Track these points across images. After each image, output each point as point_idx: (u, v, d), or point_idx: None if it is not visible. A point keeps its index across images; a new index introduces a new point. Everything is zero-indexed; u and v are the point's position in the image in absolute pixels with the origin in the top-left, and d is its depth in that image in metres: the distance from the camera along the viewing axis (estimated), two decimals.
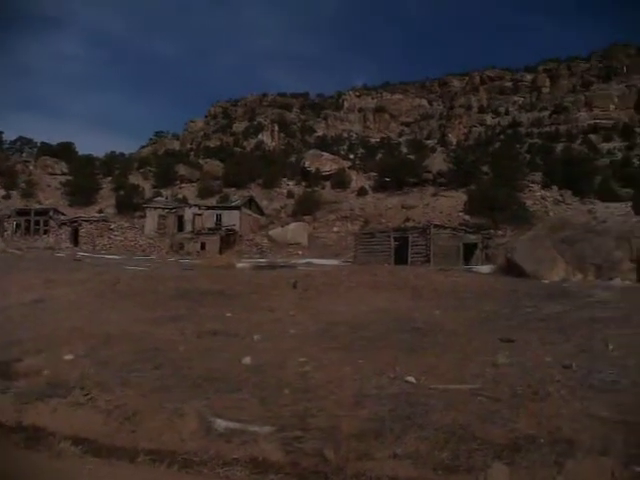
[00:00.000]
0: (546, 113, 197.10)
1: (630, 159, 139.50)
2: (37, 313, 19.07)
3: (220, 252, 66.58)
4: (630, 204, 78.66)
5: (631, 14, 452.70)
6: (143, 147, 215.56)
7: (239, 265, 41.00)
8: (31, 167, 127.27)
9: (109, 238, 75.27)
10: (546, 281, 29.05)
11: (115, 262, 44.99)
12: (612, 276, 30.13)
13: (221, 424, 7.49)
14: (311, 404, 8.55)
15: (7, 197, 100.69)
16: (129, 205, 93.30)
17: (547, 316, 18.09)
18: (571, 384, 9.56)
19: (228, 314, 19.52)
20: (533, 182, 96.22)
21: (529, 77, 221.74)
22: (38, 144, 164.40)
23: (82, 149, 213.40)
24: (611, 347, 12.56)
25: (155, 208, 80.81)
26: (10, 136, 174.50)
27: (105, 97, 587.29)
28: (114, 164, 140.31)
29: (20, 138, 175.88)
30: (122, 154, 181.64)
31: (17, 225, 77.58)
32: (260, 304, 21.92)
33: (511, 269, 32.47)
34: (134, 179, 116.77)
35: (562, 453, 6.25)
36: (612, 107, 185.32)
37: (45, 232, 76.57)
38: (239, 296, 23.81)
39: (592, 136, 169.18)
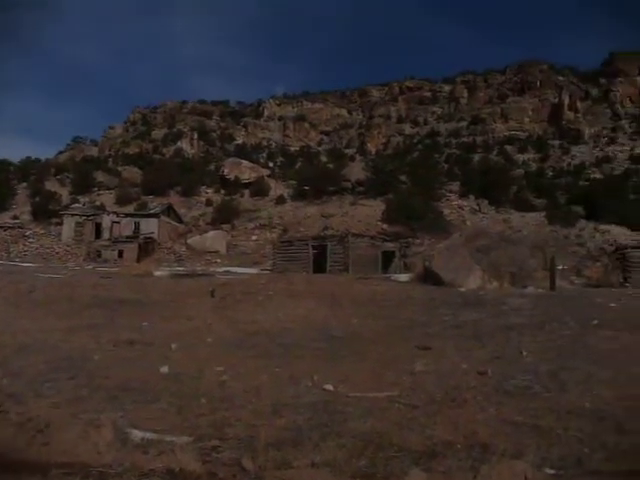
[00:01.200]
0: (464, 124, 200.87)
1: (544, 170, 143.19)
2: None
3: (138, 260, 66.00)
4: (544, 214, 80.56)
5: (543, 32, 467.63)
6: (61, 153, 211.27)
7: (157, 273, 40.69)
8: None
9: (24, 245, 73.87)
10: (463, 289, 29.48)
11: (30, 270, 44.09)
12: (526, 284, 30.83)
13: (137, 435, 7.36)
14: (229, 413, 8.49)
15: None
16: (45, 211, 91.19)
17: (463, 324, 18.40)
18: (486, 390, 9.74)
19: (145, 323, 19.31)
20: (451, 191, 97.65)
21: (447, 88, 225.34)
22: None
23: None
24: (525, 353, 12.83)
25: (72, 215, 79.39)
26: None
27: (21, 101, 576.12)
28: (30, 169, 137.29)
29: None
30: (38, 159, 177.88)
31: None
32: (178, 313, 21.77)
33: (429, 277, 32.88)
34: (51, 185, 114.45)
35: (478, 458, 6.33)
36: (527, 120, 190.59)
37: None
38: (157, 305, 23.61)
39: (508, 147, 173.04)
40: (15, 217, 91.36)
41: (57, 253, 73.27)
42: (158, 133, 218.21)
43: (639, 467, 5.97)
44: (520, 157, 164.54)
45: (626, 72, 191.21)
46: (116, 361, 12.83)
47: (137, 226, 77.82)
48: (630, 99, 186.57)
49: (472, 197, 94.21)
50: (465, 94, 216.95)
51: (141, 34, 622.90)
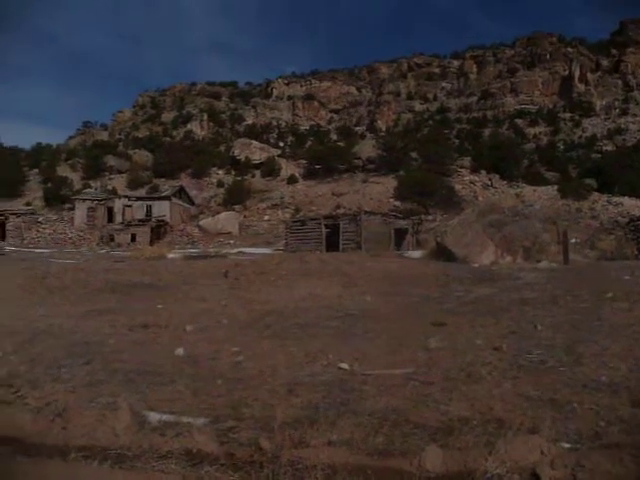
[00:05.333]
0: (474, 99, 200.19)
1: (555, 143, 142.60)
2: None
3: (151, 243, 66.05)
4: (556, 187, 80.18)
5: (551, 3, 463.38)
6: (71, 138, 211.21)
7: (170, 256, 40.72)
8: None
9: (38, 231, 73.96)
10: (476, 265, 29.43)
11: (44, 256, 44.22)
12: (540, 258, 30.75)
13: (154, 417, 7.37)
14: (245, 394, 8.49)
15: None
16: (57, 197, 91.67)
17: (477, 299, 18.33)
18: (502, 365, 9.69)
19: (159, 306, 19.33)
20: (462, 167, 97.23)
21: (456, 63, 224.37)
22: None
23: (6, 140, 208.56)
24: (539, 328, 12.79)
25: (84, 200, 79.44)
26: None
27: (31, 88, 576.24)
28: (41, 155, 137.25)
29: None
30: (49, 145, 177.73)
31: None
32: (191, 294, 21.79)
33: (441, 253, 32.81)
34: (62, 171, 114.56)
35: (494, 433, 6.31)
36: (537, 93, 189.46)
37: None
38: (170, 287, 23.63)
39: (518, 121, 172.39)
40: (28, 203, 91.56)
41: (70, 238, 73.42)
42: (167, 116, 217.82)
43: None
44: (531, 131, 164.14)
45: (637, 41, 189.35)
46: (131, 345, 12.86)
47: (149, 209, 77.87)
48: None
49: (484, 172, 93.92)
50: (474, 69, 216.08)
51: (149, 16, 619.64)
